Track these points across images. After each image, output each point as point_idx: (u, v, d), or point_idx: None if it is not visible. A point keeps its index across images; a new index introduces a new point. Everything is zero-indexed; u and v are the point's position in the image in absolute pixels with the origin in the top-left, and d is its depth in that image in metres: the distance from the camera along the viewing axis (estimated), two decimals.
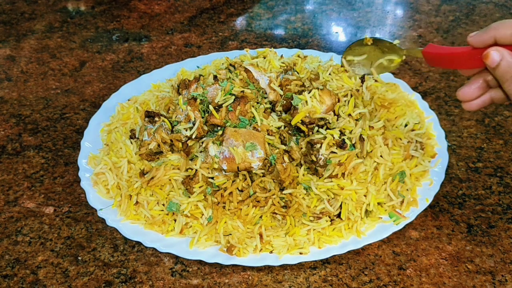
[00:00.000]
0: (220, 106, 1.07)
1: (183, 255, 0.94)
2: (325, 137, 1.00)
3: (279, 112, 1.09)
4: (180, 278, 0.94)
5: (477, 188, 1.08)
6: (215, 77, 1.14)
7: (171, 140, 1.05)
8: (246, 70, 1.13)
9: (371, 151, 1.03)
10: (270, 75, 1.14)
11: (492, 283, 0.90)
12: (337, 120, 1.04)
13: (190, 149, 1.05)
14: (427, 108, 1.20)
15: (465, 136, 1.21)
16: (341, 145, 1.00)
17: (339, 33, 1.68)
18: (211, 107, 1.06)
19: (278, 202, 0.98)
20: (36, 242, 1.02)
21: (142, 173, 1.03)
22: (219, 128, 1.06)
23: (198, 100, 1.06)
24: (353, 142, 1.01)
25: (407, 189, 1.02)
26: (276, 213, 0.99)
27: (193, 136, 1.04)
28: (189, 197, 0.99)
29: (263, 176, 1.00)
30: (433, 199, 1.02)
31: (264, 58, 1.23)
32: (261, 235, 0.96)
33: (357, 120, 1.05)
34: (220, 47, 1.61)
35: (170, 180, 1.01)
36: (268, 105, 1.10)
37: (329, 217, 0.98)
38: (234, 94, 1.08)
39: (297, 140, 1.05)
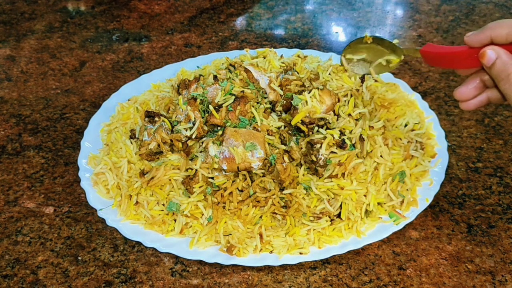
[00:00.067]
0: (220, 106, 1.07)
1: (183, 255, 0.94)
2: (325, 137, 1.00)
3: (279, 112, 1.09)
4: (180, 278, 0.94)
5: (477, 188, 1.08)
6: (215, 77, 1.14)
7: (171, 140, 1.05)
8: (246, 70, 1.13)
9: (371, 151, 1.03)
10: (270, 75, 1.14)
11: (492, 283, 0.90)
12: (337, 120, 1.04)
13: (190, 149, 1.05)
14: (427, 108, 1.20)
15: (465, 136, 1.21)
16: (341, 145, 1.00)
17: (339, 33, 1.68)
18: (211, 107, 1.06)
19: (278, 202, 0.98)
20: (36, 242, 1.02)
21: (142, 173, 1.03)
22: (219, 128, 1.06)
23: (198, 100, 1.06)
24: (353, 142, 1.01)
25: (407, 189, 1.02)
26: (276, 213, 0.99)
27: (193, 136, 1.04)
28: (189, 197, 0.99)
29: (263, 176, 1.00)
30: (433, 199, 1.02)
31: (264, 58, 1.23)
32: (261, 235, 0.96)
33: (357, 120, 1.05)
34: (220, 47, 1.61)
35: (170, 180, 1.01)
36: (268, 105, 1.10)
37: (329, 217, 0.98)
38: (234, 94, 1.08)
39: (297, 140, 1.05)
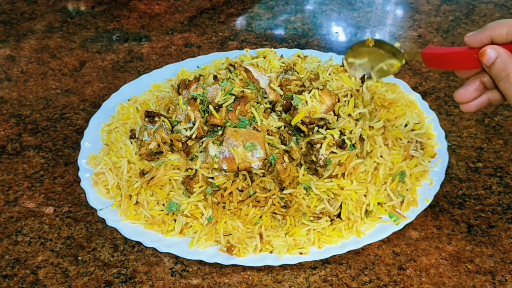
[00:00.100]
0: (220, 106, 1.07)
1: (183, 255, 0.94)
2: (325, 137, 1.00)
3: (279, 112, 1.09)
4: (180, 278, 0.94)
5: (477, 188, 1.08)
6: (215, 77, 1.14)
7: (171, 140, 1.05)
8: (246, 70, 1.13)
9: (371, 151, 1.03)
10: (270, 75, 1.14)
11: (492, 283, 0.90)
12: (337, 120, 1.04)
13: (190, 149, 1.05)
14: (427, 108, 1.20)
15: (465, 136, 1.21)
16: (341, 145, 1.00)
17: (339, 33, 1.68)
18: (211, 107, 1.06)
19: (278, 202, 0.98)
20: (36, 242, 1.02)
21: (142, 173, 1.03)
22: (219, 128, 1.06)
23: (198, 100, 1.06)
24: (353, 142, 1.01)
25: (407, 189, 1.02)
26: (276, 213, 0.99)
27: (193, 136, 1.04)
28: (189, 197, 0.99)
29: (263, 176, 1.00)
30: (433, 199, 1.02)
31: (264, 58, 1.23)
32: (261, 235, 0.96)
33: (357, 120, 1.05)
34: (220, 47, 1.61)
35: (170, 180, 1.01)
36: (268, 105, 1.10)
37: (329, 217, 0.98)
38: (234, 94, 1.08)
39: (297, 140, 1.05)
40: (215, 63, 1.32)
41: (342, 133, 1.02)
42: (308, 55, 1.28)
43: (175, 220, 1.00)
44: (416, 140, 1.08)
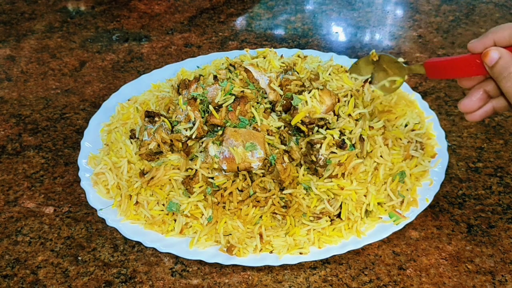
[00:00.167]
0: (220, 106, 1.07)
1: (183, 255, 0.94)
2: (325, 137, 1.00)
3: (279, 112, 1.09)
4: (180, 278, 0.94)
5: (477, 188, 1.08)
6: (215, 77, 1.14)
7: (171, 140, 1.05)
8: (246, 70, 1.13)
9: (371, 151, 1.03)
10: (270, 75, 1.14)
11: (492, 283, 0.90)
12: (337, 120, 1.04)
13: (190, 149, 1.05)
14: (427, 108, 1.20)
15: (465, 136, 1.21)
16: (341, 145, 1.00)
17: (339, 33, 1.68)
18: (211, 107, 1.06)
19: (278, 202, 0.98)
20: (36, 242, 1.02)
21: (142, 173, 1.03)
22: (219, 128, 1.06)
23: (198, 100, 1.06)
24: (353, 142, 1.01)
25: (407, 189, 1.02)
26: (276, 213, 0.99)
27: (193, 136, 1.04)
28: (189, 197, 0.99)
29: (263, 176, 1.00)
30: (433, 199, 1.02)
31: (264, 58, 1.23)
32: (261, 235, 0.96)
33: (357, 120, 1.05)
34: (220, 47, 1.61)
35: (170, 180, 1.01)
36: (268, 105, 1.10)
37: (329, 217, 0.98)
38: (234, 94, 1.08)
39: (297, 140, 1.05)
40: (215, 63, 1.32)
41: (342, 133, 1.02)
42: (308, 55, 1.28)
43: (175, 220, 1.00)
44: (416, 140, 1.08)
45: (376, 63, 1.07)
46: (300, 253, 0.94)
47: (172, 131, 1.06)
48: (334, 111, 1.06)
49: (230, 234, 0.97)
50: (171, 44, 1.63)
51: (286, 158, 1.00)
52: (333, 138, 1.01)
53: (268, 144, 1.01)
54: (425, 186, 1.04)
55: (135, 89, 1.31)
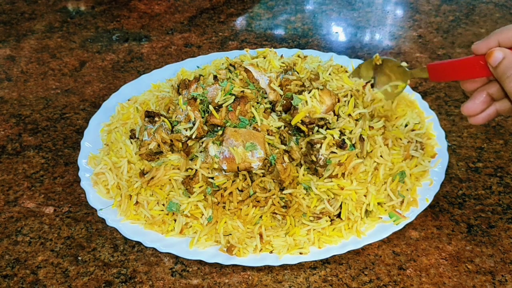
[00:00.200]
0: (220, 106, 1.07)
1: (183, 255, 0.94)
2: (325, 137, 1.00)
3: (279, 112, 1.09)
4: (180, 278, 0.94)
5: (477, 188, 1.08)
6: (215, 77, 1.14)
7: (171, 140, 1.05)
8: (246, 70, 1.13)
9: (371, 151, 1.03)
10: (270, 75, 1.14)
11: (492, 283, 0.90)
12: (337, 120, 1.04)
13: (190, 149, 1.05)
14: (427, 108, 1.20)
15: (465, 136, 1.21)
16: (341, 145, 1.00)
17: (339, 33, 1.68)
18: (211, 107, 1.06)
19: (278, 202, 0.98)
20: (36, 242, 1.02)
21: (142, 173, 1.03)
22: (219, 128, 1.06)
23: (198, 100, 1.06)
24: (353, 142, 1.01)
25: (407, 189, 1.02)
26: (276, 213, 0.99)
27: (193, 136, 1.04)
28: (189, 197, 0.99)
29: (263, 176, 1.00)
30: (433, 199, 1.02)
31: (264, 58, 1.23)
32: (261, 235, 0.96)
33: (357, 120, 1.05)
34: (220, 47, 1.61)
35: (170, 180, 1.01)
36: (268, 105, 1.10)
37: (329, 217, 0.98)
38: (234, 94, 1.08)
39: (297, 140, 1.05)
40: (215, 63, 1.32)
41: (342, 133, 1.02)
42: (308, 55, 1.28)
43: (175, 220, 1.00)
44: (416, 140, 1.08)
45: (379, 67, 1.07)
46: (300, 253, 0.94)
47: (172, 131, 1.06)
48: (334, 111, 1.06)
49: (230, 234, 0.97)
50: (171, 44, 1.63)
51: (286, 158, 1.00)
52: (333, 138, 1.01)
53: (268, 144, 1.01)
54: (425, 186, 1.04)
55: (135, 89, 1.31)
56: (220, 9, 1.83)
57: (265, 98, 1.11)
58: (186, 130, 1.04)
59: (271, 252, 0.95)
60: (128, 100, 1.27)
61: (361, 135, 1.02)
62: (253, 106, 1.07)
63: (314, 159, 1.00)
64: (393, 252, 0.97)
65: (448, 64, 0.86)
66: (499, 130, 1.23)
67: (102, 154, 1.12)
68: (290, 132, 1.06)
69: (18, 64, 1.57)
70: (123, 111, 1.21)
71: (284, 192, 0.98)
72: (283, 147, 1.02)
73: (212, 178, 1.00)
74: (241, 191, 1.00)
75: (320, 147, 0.99)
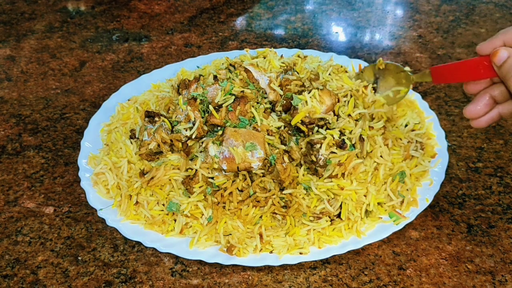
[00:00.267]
0: (220, 106, 1.07)
1: (183, 255, 0.94)
2: (325, 137, 1.00)
3: (279, 112, 1.09)
4: (180, 278, 0.94)
5: (477, 188, 1.08)
6: (215, 77, 1.14)
7: (171, 140, 1.05)
8: (246, 70, 1.13)
9: (371, 151, 1.03)
10: (270, 75, 1.14)
11: (492, 283, 0.90)
12: (337, 120, 1.04)
13: (190, 149, 1.05)
14: (427, 108, 1.20)
15: (465, 136, 1.21)
16: (341, 145, 1.00)
17: (339, 33, 1.68)
18: (211, 107, 1.06)
19: (278, 202, 0.98)
20: (36, 242, 1.02)
21: (142, 173, 1.03)
22: (219, 128, 1.06)
23: (198, 100, 1.06)
24: (353, 142, 1.01)
25: (407, 189, 1.02)
26: (276, 213, 0.99)
27: (193, 136, 1.04)
28: (189, 197, 0.99)
29: (263, 176, 1.00)
30: (433, 199, 1.02)
31: (264, 58, 1.23)
32: (261, 235, 0.96)
33: (356, 120, 1.05)
34: (220, 47, 1.61)
35: (170, 180, 1.01)
36: (268, 105, 1.10)
37: (329, 217, 0.98)
38: (234, 94, 1.08)
39: (297, 140, 1.05)
40: (215, 63, 1.32)
41: (342, 133, 1.02)
42: (308, 55, 1.28)
43: (175, 220, 1.00)
44: (416, 140, 1.08)
45: (382, 71, 1.07)
46: (300, 253, 0.94)
47: (172, 131, 1.06)
48: (334, 111, 1.06)
49: (230, 234, 0.97)
50: (171, 44, 1.63)
51: (286, 158, 1.00)
52: (333, 138, 1.01)
53: (268, 144, 1.01)
54: (425, 186, 1.04)
55: (135, 89, 1.31)
56: (220, 9, 1.83)
57: (265, 98, 1.11)
58: (186, 130, 1.04)
59: (271, 252, 0.95)
60: (128, 100, 1.27)
61: (361, 135, 1.02)
62: (253, 106, 1.07)
63: (314, 159, 1.00)
64: (393, 252, 0.97)
65: (452, 66, 0.86)
66: (499, 130, 1.23)
67: (102, 154, 1.12)
68: (290, 132, 1.06)
69: (18, 64, 1.57)
70: (123, 111, 1.21)
71: (284, 192, 0.98)
72: (283, 147, 1.02)
73: (212, 178, 1.00)
74: (241, 191, 1.00)
75: (320, 147, 0.99)
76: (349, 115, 1.05)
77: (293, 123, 1.03)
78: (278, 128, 1.06)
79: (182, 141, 1.05)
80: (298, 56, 1.25)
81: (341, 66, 1.19)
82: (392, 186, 1.01)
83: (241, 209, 0.98)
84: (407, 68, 1.03)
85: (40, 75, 1.52)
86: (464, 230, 1.00)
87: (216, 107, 1.07)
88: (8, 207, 1.10)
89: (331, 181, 0.98)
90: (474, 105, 0.84)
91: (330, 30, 1.70)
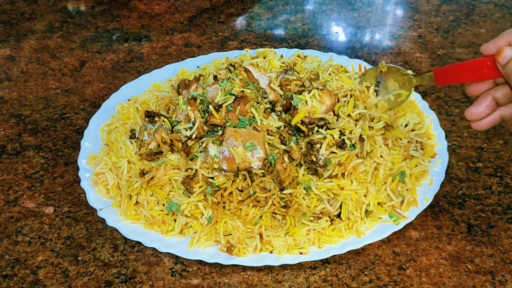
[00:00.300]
0: (220, 106, 1.07)
1: (183, 255, 0.94)
2: (325, 137, 1.00)
3: (279, 112, 1.09)
4: (180, 278, 0.94)
5: (477, 188, 1.08)
6: (215, 77, 1.14)
7: (171, 140, 1.05)
8: (246, 70, 1.13)
9: (371, 151, 1.03)
10: (270, 75, 1.14)
11: (492, 283, 0.90)
12: (337, 120, 1.04)
13: (190, 149, 1.05)
14: (427, 108, 1.20)
15: (465, 136, 1.21)
16: (341, 145, 1.00)
17: (339, 33, 1.68)
18: (211, 107, 1.06)
19: (278, 202, 0.98)
20: (36, 242, 1.02)
21: (142, 173, 1.03)
22: (219, 128, 1.06)
23: (198, 100, 1.06)
24: (353, 142, 1.01)
25: (407, 189, 1.02)
26: (276, 213, 0.99)
27: (193, 136, 1.04)
28: (189, 197, 0.99)
29: (263, 176, 1.00)
30: (433, 199, 1.02)
31: (264, 58, 1.23)
32: (261, 235, 0.96)
33: (356, 120, 1.05)
34: (220, 47, 1.61)
35: (170, 180, 1.01)
36: (268, 105, 1.10)
37: (329, 217, 0.98)
38: (234, 94, 1.08)
39: (297, 140, 1.05)
40: (215, 63, 1.32)
41: (342, 133, 1.02)
42: (308, 55, 1.28)
43: (175, 220, 1.00)
44: (416, 140, 1.08)
45: (384, 74, 1.07)
46: (300, 253, 0.94)
47: (172, 131, 1.06)
48: (334, 111, 1.06)
49: (230, 234, 0.97)
50: (171, 44, 1.63)
51: (286, 158, 1.00)
52: (333, 138, 1.01)
53: (268, 144, 1.01)
54: (425, 186, 1.04)
55: (135, 89, 1.31)
56: (220, 9, 1.83)
57: (265, 98, 1.11)
58: (186, 130, 1.04)
59: (271, 252, 0.95)
60: (128, 100, 1.27)
61: (361, 135, 1.02)
62: (253, 106, 1.07)
63: (314, 159, 1.00)
64: (393, 252, 0.97)
65: (455, 67, 0.85)
66: (499, 130, 1.23)
67: (102, 154, 1.12)
68: (290, 132, 1.06)
69: (18, 64, 1.57)
70: (123, 111, 1.21)
71: (284, 192, 0.98)
72: (283, 147, 1.02)
73: (212, 178, 1.00)
74: (241, 191, 1.00)
75: (320, 147, 0.99)
76: (349, 115, 1.05)
77: (293, 123, 1.03)
78: (278, 128, 1.06)
79: (182, 141, 1.05)
80: (298, 56, 1.25)
81: (341, 66, 1.19)
82: (392, 186, 1.01)
83: (241, 209, 0.98)
84: (409, 72, 1.03)
85: (40, 75, 1.52)
86: (464, 230, 1.00)
87: (216, 107, 1.07)
88: (8, 207, 1.10)
89: (331, 181, 0.98)
90: (476, 107, 0.83)
91: (330, 30, 1.70)
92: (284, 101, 1.07)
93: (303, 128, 1.03)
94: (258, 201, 0.99)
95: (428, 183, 1.04)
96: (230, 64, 1.18)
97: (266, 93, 1.12)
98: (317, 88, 1.05)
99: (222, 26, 1.73)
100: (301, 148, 1.03)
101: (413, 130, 1.10)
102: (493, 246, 0.96)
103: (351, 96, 1.07)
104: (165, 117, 1.09)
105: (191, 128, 1.04)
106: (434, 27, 1.66)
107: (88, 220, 1.06)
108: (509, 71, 0.76)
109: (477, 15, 1.71)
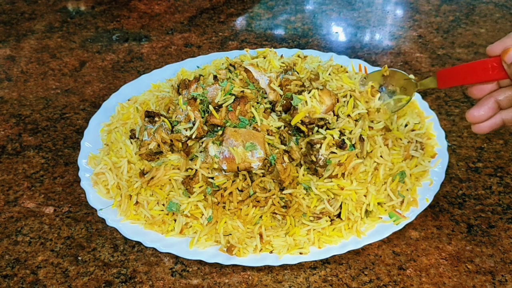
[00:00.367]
0: (220, 106, 1.07)
1: (183, 255, 0.94)
2: (325, 137, 1.00)
3: (279, 112, 1.09)
4: (180, 278, 0.94)
5: (477, 188, 1.08)
6: (215, 77, 1.14)
7: (171, 140, 1.05)
8: (246, 70, 1.13)
9: (371, 151, 1.03)
10: (270, 75, 1.14)
11: (492, 283, 0.90)
12: (337, 120, 1.04)
13: (190, 149, 1.05)
14: (427, 108, 1.20)
15: (465, 136, 1.21)
16: (341, 145, 1.00)
17: (339, 33, 1.68)
18: (211, 107, 1.06)
19: (278, 202, 0.98)
20: (36, 242, 1.02)
21: (142, 173, 1.03)
22: (219, 128, 1.06)
23: (198, 100, 1.06)
24: (353, 143, 1.01)
25: (407, 189, 1.02)
26: (276, 213, 0.99)
27: (193, 136, 1.04)
28: (189, 197, 0.99)
29: (263, 176, 1.00)
30: (433, 199, 1.02)
31: (264, 58, 1.23)
32: (261, 235, 0.96)
33: (356, 120, 1.05)
34: (220, 47, 1.61)
35: (170, 180, 1.01)
36: (268, 105, 1.10)
37: (329, 217, 0.98)
38: (234, 94, 1.08)
39: (297, 140, 1.05)
40: (215, 63, 1.32)
41: (342, 133, 1.02)
42: (308, 55, 1.28)
43: (175, 220, 1.00)
44: (416, 140, 1.08)
45: (386, 78, 1.07)
46: (300, 253, 0.94)
47: (172, 131, 1.06)
48: (333, 111, 1.06)
49: (230, 234, 0.97)
50: (171, 44, 1.63)
51: (286, 158, 1.00)
52: (333, 138, 1.01)
53: (268, 144, 1.01)
54: (425, 186, 1.04)
55: (135, 89, 1.31)
56: (220, 9, 1.83)
57: (265, 98, 1.11)
58: (186, 130, 1.04)
59: (271, 252, 0.95)
60: (128, 100, 1.27)
61: (361, 135, 1.02)
62: (253, 106, 1.07)
63: (314, 159, 1.00)
64: (393, 252, 0.97)
65: (460, 68, 0.84)
66: (499, 130, 1.23)
67: (102, 154, 1.12)
68: (290, 132, 1.06)
69: (18, 64, 1.57)
70: (123, 111, 1.21)
71: (284, 192, 0.98)
72: (283, 147, 1.02)
73: (212, 178, 1.00)
74: (241, 191, 1.00)
75: (320, 147, 0.99)
76: (349, 115, 1.05)
77: (293, 123, 1.03)
78: (278, 128, 1.06)
79: (182, 141, 1.05)
80: (298, 56, 1.25)
81: (341, 66, 1.19)
82: (392, 186, 1.01)
83: (241, 209, 0.98)
84: (411, 76, 1.03)
85: (40, 75, 1.52)
86: (464, 230, 1.00)
87: (216, 107, 1.07)
88: (8, 207, 1.10)
89: (331, 181, 0.98)
90: (477, 109, 0.81)
91: (330, 30, 1.70)
92: (284, 101, 1.07)
93: (303, 128, 1.03)
94: (258, 201, 0.99)
95: (428, 183, 1.04)
96: (230, 64, 1.18)
97: (266, 93, 1.12)
98: (317, 88, 1.05)
99: (222, 26, 1.73)
100: (301, 148, 1.03)
101: (413, 130, 1.10)
102: (493, 246, 0.96)
103: (350, 96, 1.07)
104: (165, 117, 1.09)
105: (191, 128, 1.04)
106: (434, 27, 1.66)
107: (88, 220, 1.06)
108: None
109: (477, 15, 1.71)
